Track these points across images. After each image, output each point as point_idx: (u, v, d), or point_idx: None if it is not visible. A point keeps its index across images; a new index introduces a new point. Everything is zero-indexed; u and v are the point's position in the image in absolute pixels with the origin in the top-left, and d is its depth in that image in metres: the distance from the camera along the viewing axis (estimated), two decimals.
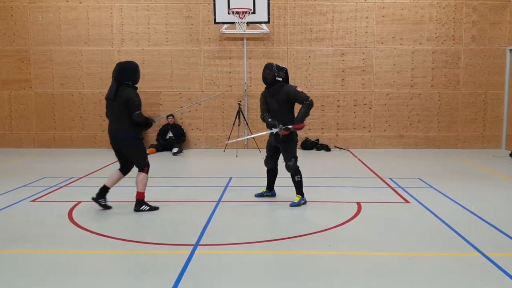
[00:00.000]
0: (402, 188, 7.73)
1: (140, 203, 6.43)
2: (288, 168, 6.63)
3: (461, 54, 12.35)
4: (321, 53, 12.45)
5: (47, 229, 5.74)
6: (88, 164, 10.14)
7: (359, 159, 10.91)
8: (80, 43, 12.54)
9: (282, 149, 6.67)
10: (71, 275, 4.37)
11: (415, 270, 4.47)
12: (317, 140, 12.52)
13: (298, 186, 6.72)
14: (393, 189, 7.73)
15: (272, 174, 7.12)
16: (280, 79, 6.60)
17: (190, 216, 6.31)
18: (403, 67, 12.32)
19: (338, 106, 12.55)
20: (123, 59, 12.38)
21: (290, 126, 6.44)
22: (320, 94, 12.49)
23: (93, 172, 9.36)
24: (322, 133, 12.62)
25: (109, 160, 10.81)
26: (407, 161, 10.78)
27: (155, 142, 12.33)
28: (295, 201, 6.68)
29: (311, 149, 12.36)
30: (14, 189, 7.72)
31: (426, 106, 12.45)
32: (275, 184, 7.21)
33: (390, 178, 8.50)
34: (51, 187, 7.96)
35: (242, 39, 12.40)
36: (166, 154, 11.73)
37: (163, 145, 12.11)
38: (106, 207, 6.52)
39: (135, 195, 6.43)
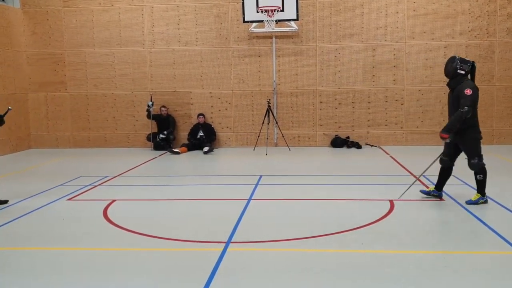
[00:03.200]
0: None
1: None
2: (471, 166, 6.35)
3: (496, 48, 12.02)
4: (351, 49, 12.34)
5: (83, 227, 5.91)
6: (122, 163, 10.36)
7: (391, 156, 10.77)
8: (113, 45, 12.80)
9: (462, 147, 6.43)
10: (107, 272, 4.48)
11: (450, 268, 4.40)
12: (348, 137, 12.42)
13: (479, 185, 6.45)
14: (426, 186, 7.60)
15: (444, 174, 6.67)
16: (463, 72, 6.30)
17: (222, 214, 6.37)
18: (435, 62, 12.08)
19: (369, 102, 12.41)
20: (154, 60, 12.65)
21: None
22: (350, 91, 12.39)
23: (127, 171, 9.55)
24: (353, 130, 12.51)
25: (142, 159, 11.02)
26: None
27: (186, 141, 12.47)
28: (473, 199, 6.46)
29: (341, 146, 12.28)
30: (51, 188, 7.96)
31: None
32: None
33: (423, 176, 8.36)
34: (86, 186, 8.16)
35: (271, 37, 12.41)
36: (197, 153, 11.86)
37: (194, 144, 12.24)
38: None
39: None
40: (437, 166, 6.78)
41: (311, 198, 7.06)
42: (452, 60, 6.39)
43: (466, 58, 6.44)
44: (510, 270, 4.34)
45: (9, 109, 7.30)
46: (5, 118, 7.20)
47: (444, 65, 6.55)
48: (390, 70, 12.29)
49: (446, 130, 6.24)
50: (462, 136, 6.35)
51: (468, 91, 6.15)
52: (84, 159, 11.33)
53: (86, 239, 5.44)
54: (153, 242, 5.29)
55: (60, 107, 13.12)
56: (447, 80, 6.53)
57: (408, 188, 7.08)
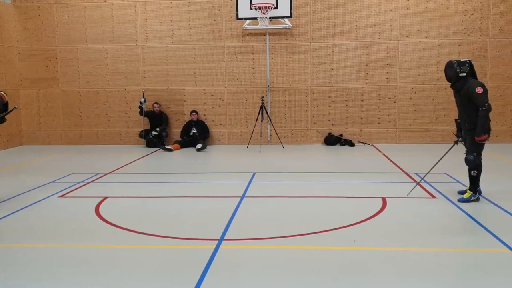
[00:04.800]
0: (428, 183, 7.62)
1: None
2: (466, 161, 6.43)
3: (489, 46, 12.08)
4: (344, 47, 12.34)
5: (75, 224, 5.86)
6: (114, 160, 10.30)
7: (383, 154, 10.80)
8: (105, 41, 12.72)
9: (468, 141, 6.50)
10: (100, 269, 4.45)
11: (442, 266, 4.41)
12: (341, 135, 12.43)
13: (472, 182, 6.50)
14: (419, 184, 7.63)
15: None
16: (464, 74, 6.40)
17: (215, 211, 6.35)
18: (429, 60, 12.12)
19: (362, 100, 12.43)
20: (147, 56, 12.59)
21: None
22: (343, 89, 12.40)
23: (119, 168, 9.50)
24: (346, 128, 12.52)
25: (134, 156, 10.97)
26: (433, 156, 10.59)
27: (179, 138, 12.43)
28: (465, 197, 6.52)
29: (334, 144, 12.29)
30: (43, 185, 7.91)
31: (452, 99, 12.12)
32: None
33: (416, 173, 8.40)
34: (78, 183, 8.11)
35: (264, 34, 12.39)
36: (190, 150, 11.82)
37: (187, 141, 12.21)
38: None
39: None
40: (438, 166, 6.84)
41: (304, 195, 7.06)
42: (450, 65, 6.47)
43: (461, 60, 6.49)
44: (501, 268, 4.36)
45: (14, 108, 7.24)
46: (6, 116, 7.09)
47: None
48: (383, 68, 12.31)
49: (480, 132, 6.24)
50: (470, 134, 6.43)
51: (480, 90, 6.26)
52: (76, 156, 11.25)
53: (78, 236, 5.41)
54: (145, 239, 5.26)
55: (52, 104, 13.03)
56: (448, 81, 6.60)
57: (415, 186, 7.15)
